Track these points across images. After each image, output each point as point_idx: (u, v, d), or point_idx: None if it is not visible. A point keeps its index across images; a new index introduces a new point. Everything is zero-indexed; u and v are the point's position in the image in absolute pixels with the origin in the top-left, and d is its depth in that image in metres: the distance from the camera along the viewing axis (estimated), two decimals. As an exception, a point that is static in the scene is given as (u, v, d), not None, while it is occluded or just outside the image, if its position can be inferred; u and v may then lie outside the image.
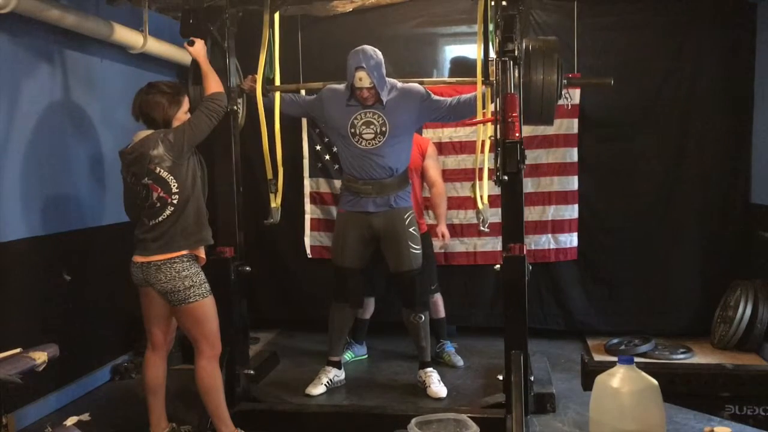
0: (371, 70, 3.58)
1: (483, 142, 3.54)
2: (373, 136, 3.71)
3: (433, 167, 4.35)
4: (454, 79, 4.31)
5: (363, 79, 3.59)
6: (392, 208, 3.80)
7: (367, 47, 3.63)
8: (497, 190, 3.50)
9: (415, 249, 3.84)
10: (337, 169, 4.89)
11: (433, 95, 3.81)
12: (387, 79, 3.73)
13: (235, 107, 3.58)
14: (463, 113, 3.75)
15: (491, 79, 3.41)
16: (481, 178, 3.55)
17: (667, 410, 2.29)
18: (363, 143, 3.73)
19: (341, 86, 3.78)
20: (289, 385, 4.08)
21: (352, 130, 3.73)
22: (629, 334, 4.68)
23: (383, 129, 3.70)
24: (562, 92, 3.39)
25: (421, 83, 3.85)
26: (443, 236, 4.27)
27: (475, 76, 3.52)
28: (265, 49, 3.62)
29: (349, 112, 3.73)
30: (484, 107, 3.51)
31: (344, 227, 3.91)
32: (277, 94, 3.76)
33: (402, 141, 3.80)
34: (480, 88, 3.50)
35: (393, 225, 3.81)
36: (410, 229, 3.84)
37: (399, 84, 3.79)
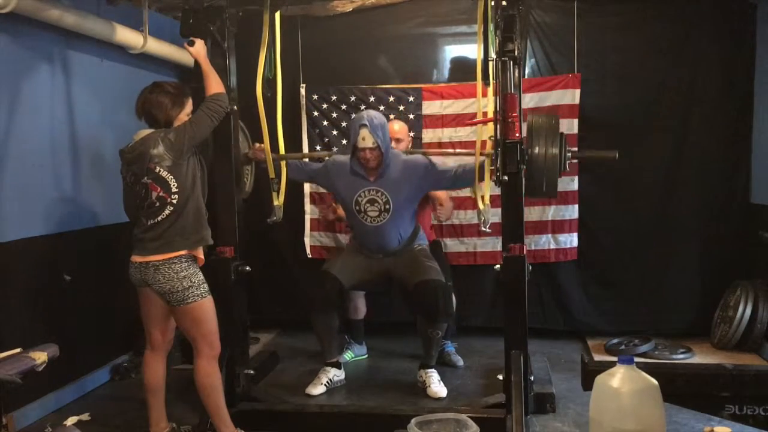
0: (375, 129, 3.63)
1: (483, 142, 3.54)
2: (377, 213, 3.79)
3: (442, 193, 4.24)
4: (452, 84, 4.32)
5: (366, 138, 3.63)
6: (403, 251, 3.94)
7: (372, 111, 3.74)
8: (497, 190, 3.50)
9: (432, 263, 3.88)
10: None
11: (437, 166, 3.79)
12: (393, 151, 3.78)
13: (235, 107, 3.59)
14: (465, 182, 3.80)
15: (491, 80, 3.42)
16: (481, 179, 3.55)
17: (667, 410, 2.28)
18: (368, 220, 3.82)
19: (345, 158, 3.83)
20: (289, 385, 4.08)
21: (357, 208, 3.81)
22: (629, 334, 4.68)
23: (387, 207, 3.77)
24: (566, 167, 3.41)
25: (424, 154, 3.88)
26: (442, 202, 4.16)
27: (475, 76, 3.53)
28: (265, 49, 3.63)
29: (354, 188, 3.79)
30: (482, 178, 3.52)
31: (354, 248, 4.05)
32: (283, 164, 3.78)
33: (407, 212, 3.89)
34: (479, 88, 3.50)
35: (403, 253, 3.92)
36: (421, 251, 3.94)
37: (402, 157, 3.83)
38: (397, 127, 4.22)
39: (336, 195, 4.02)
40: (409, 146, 4.29)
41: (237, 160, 3.64)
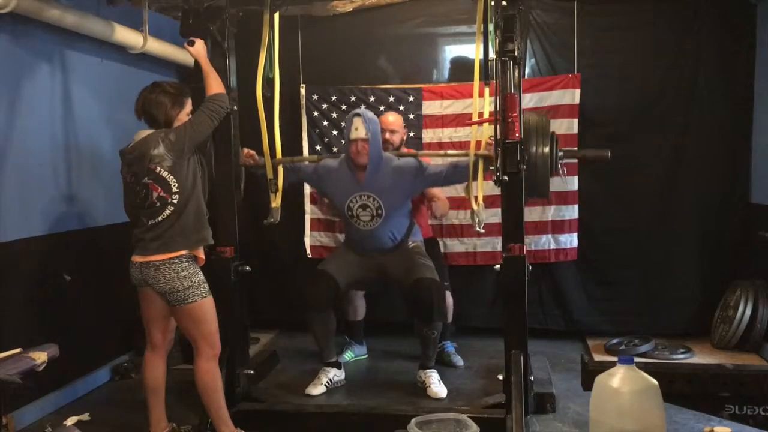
0: (368, 121, 3.66)
1: (478, 142, 3.54)
2: (370, 218, 3.79)
3: (436, 190, 4.25)
4: (451, 84, 4.31)
5: (359, 128, 3.65)
6: (397, 249, 3.93)
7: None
8: (496, 191, 3.50)
9: (426, 261, 3.88)
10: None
11: (428, 168, 3.77)
12: (384, 153, 3.78)
13: (235, 107, 3.59)
14: (459, 180, 3.79)
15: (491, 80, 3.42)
16: (475, 179, 3.54)
17: (667, 410, 2.28)
18: (361, 224, 3.82)
19: (335, 161, 3.85)
20: (289, 385, 4.08)
21: (349, 213, 3.80)
22: (629, 334, 4.68)
23: (379, 212, 3.77)
24: (558, 166, 3.40)
25: (415, 156, 3.85)
26: (436, 197, 4.16)
27: (475, 77, 3.53)
28: (265, 49, 3.62)
29: (345, 194, 3.79)
30: (475, 178, 3.51)
31: (348, 246, 4.05)
32: (280, 167, 3.73)
33: (400, 213, 3.89)
34: (476, 88, 3.50)
35: (398, 251, 3.92)
36: (416, 249, 3.94)
37: (395, 161, 3.80)
38: (392, 118, 4.22)
39: (329, 198, 4.03)
40: (404, 138, 4.28)
41: (237, 160, 3.64)
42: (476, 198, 3.53)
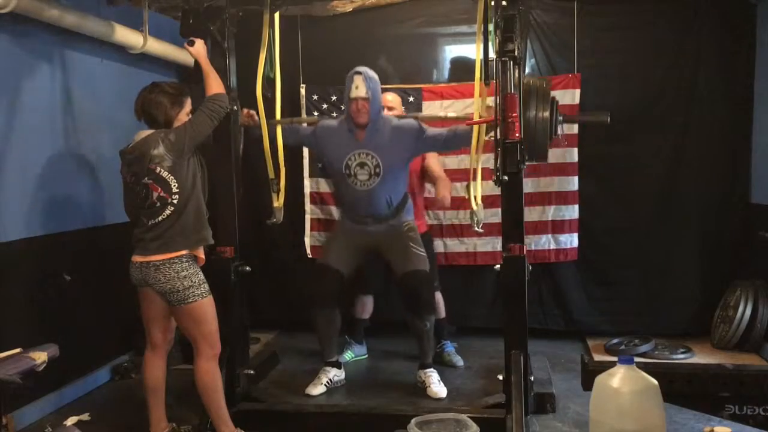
0: (368, 79, 3.62)
1: (478, 142, 3.54)
2: (367, 177, 3.75)
3: (435, 164, 4.29)
4: (451, 83, 4.30)
5: (359, 87, 3.61)
6: (391, 225, 3.87)
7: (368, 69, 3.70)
8: (496, 191, 3.50)
9: (419, 250, 3.86)
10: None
11: (428, 130, 3.77)
12: (383, 115, 3.75)
13: (235, 107, 3.58)
14: (458, 144, 3.78)
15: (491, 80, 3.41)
16: (475, 178, 3.53)
17: (667, 410, 2.28)
18: (358, 184, 3.77)
19: (335, 122, 3.82)
20: (289, 385, 4.08)
21: (347, 171, 3.77)
22: (629, 334, 4.68)
23: (377, 170, 3.73)
24: (557, 130, 3.38)
25: (415, 118, 3.84)
26: (443, 198, 4.05)
27: (475, 77, 3.52)
28: (265, 49, 3.62)
29: (344, 151, 3.75)
30: (478, 140, 3.48)
31: (341, 231, 3.99)
32: (279, 128, 3.75)
33: (397, 176, 3.84)
34: (477, 88, 3.50)
35: (392, 233, 3.86)
36: (410, 233, 3.88)
37: (395, 121, 3.79)
38: (390, 97, 4.22)
39: (326, 161, 3.97)
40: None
41: (237, 160, 3.64)
42: (475, 198, 3.53)
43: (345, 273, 3.90)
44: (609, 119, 3.53)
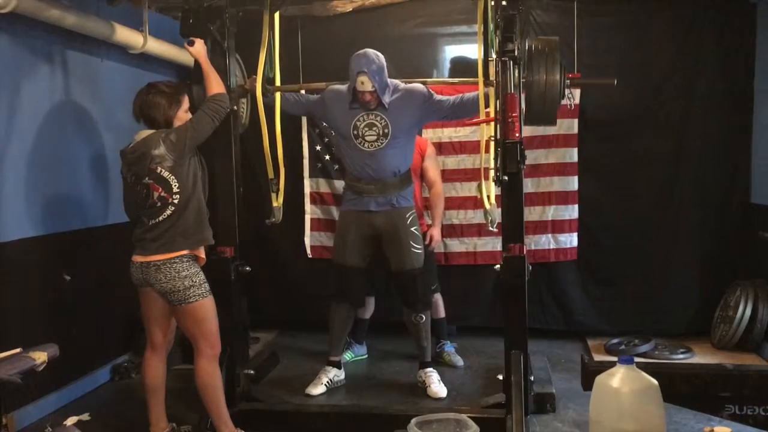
0: (373, 74, 3.59)
1: (487, 141, 3.53)
2: (375, 138, 3.72)
3: (433, 168, 4.35)
4: (456, 80, 4.29)
5: (365, 83, 3.60)
6: (394, 208, 3.82)
7: (370, 51, 3.63)
8: (498, 190, 3.50)
9: (417, 248, 3.85)
10: (337, 169, 4.89)
11: (435, 95, 3.80)
12: (389, 80, 3.73)
13: (235, 107, 3.58)
14: (465, 112, 3.75)
15: (492, 79, 3.41)
16: (487, 178, 3.52)
17: (667, 410, 2.28)
18: (366, 145, 3.74)
19: (343, 87, 3.78)
20: (289, 385, 4.08)
21: (355, 132, 3.74)
22: (629, 334, 4.68)
23: (386, 131, 3.71)
24: (565, 92, 3.37)
25: (423, 83, 3.84)
26: (432, 238, 4.25)
27: (475, 76, 3.52)
28: (265, 49, 3.62)
29: (352, 114, 3.74)
30: (487, 106, 3.48)
31: (346, 225, 3.93)
32: (278, 95, 3.76)
33: (405, 142, 3.81)
34: (482, 88, 3.50)
35: (394, 224, 3.83)
36: (411, 229, 3.85)
37: (402, 85, 3.78)
38: None
39: (332, 123, 3.96)
40: None
41: (237, 160, 3.63)
42: (489, 197, 3.52)
43: (363, 266, 3.92)
44: (615, 82, 3.51)
